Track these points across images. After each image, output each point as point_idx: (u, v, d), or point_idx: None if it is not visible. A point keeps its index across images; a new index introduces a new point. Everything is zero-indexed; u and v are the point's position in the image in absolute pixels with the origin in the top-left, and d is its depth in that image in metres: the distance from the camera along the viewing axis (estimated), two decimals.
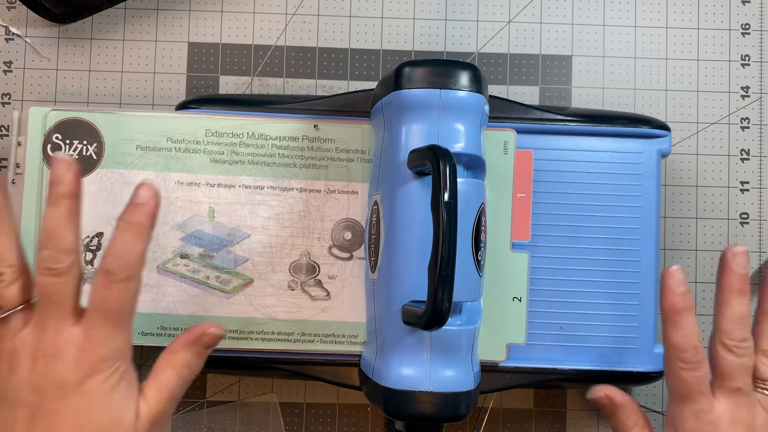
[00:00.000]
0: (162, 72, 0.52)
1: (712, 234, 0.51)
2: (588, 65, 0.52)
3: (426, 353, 0.41)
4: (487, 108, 0.43)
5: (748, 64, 0.52)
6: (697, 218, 0.52)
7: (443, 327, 0.37)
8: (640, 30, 0.53)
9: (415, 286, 0.40)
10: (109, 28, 0.52)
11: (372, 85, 0.48)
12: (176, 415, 0.49)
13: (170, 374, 0.37)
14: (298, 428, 0.50)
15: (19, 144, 0.45)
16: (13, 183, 0.45)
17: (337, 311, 0.45)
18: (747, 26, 0.53)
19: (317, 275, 0.45)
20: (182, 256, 0.45)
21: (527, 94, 0.52)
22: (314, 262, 0.45)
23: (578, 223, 0.46)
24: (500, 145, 0.46)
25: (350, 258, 0.45)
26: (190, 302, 0.45)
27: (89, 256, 0.45)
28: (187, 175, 0.45)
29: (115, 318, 0.34)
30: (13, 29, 0.51)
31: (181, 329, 0.44)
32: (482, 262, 0.42)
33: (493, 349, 0.45)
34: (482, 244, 0.42)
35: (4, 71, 0.51)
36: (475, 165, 0.43)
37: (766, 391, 0.38)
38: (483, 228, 0.42)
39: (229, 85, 0.52)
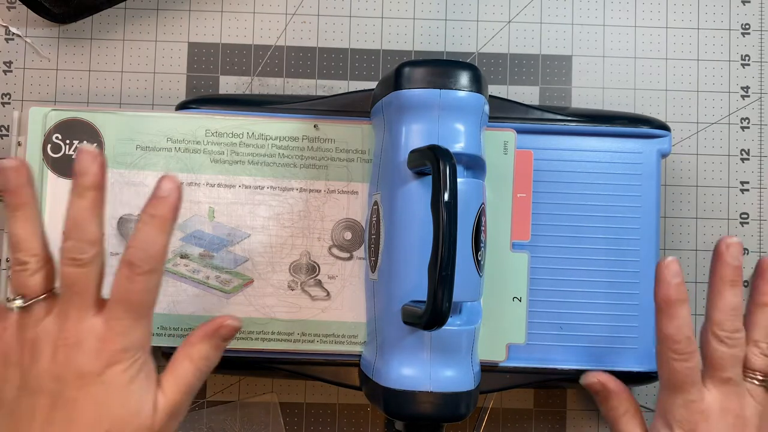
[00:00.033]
0: (162, 72, 0.52)
1: (712, 234, 0.51)
2: (588, 65, 0.52)
3: (426, 353, 0.41)
4: (487, 108, 0.43)
5: (748, 64, 0.52)
6: (697, 218, 0.52)
7: (443, 327, 0.37)
8: (640, 30, 0.53)
9: (415, 286, 0.40)
10: (109, 28, 0.52)
11: (372, 85, 0.48)
12: None
13: (188, 366, 0.37)
14: (298, 428, 0.50)
15: (19, 144, 0.45)
16: None
17: (337, 311, 0.45)
18: (747, 26, 0.53)
19: (317, 275, 0.45)
20: (182, 256, 0.45)
21: (527, 94, 0.52)
22: (314, 262, 0.45)
23: (578, 223, 0.46)
24: (500, 145, 0.46)
25: (350, 258, 0.45)
26: (190, 302, 0.45)
27: None
28: (187, 175, 0.45)
29: (137, 309, 0.35)
30: (13, 29, 0.51)
31: (181, 329, 0.44)
32: (482, 262, 0.42)
33: (493, 349, 0.45)
34: (482, 244, 0.42)
35: (4, 71, 0.51)
36: (475, 165, 0.43)
37: (756, 381, 0.38)
38: (483, 228, 0.42)
39: (229, 85, 0.52)
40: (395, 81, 0.42)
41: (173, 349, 0.39)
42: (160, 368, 0.38)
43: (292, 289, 0.45)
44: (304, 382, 0.50)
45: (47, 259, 0.36)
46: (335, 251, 0.45)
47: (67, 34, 0.52)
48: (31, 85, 0.51)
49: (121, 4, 0.52)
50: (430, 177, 0.38)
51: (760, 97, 0.52)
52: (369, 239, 0.45)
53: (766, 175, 0.52)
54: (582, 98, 0.52)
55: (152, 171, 0.45)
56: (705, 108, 0.52)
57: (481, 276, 0.42)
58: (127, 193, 0.45)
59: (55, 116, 0.45)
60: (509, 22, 0.52)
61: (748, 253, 0.52)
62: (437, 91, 0.41)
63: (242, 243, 0.45)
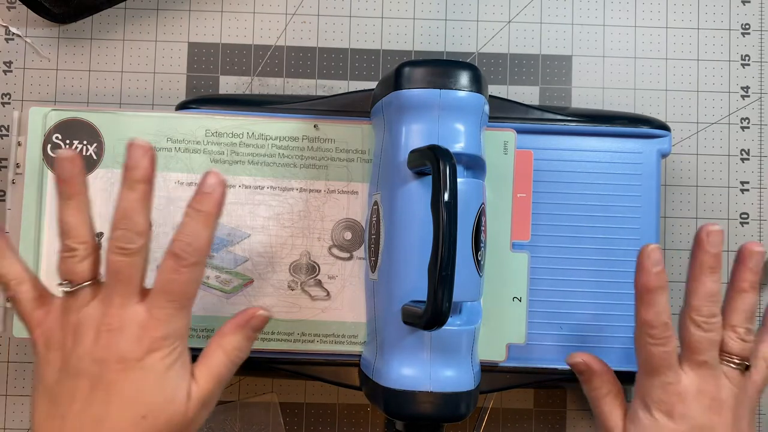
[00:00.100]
0: (162, 72, 0.52)
1: None
2: (588, 65, 0.52)
3: (426, 353, 0.41)
4: (487, 108, 0.43)
5: (748, 64, 0.52)
6: (697, 218, 0.52)
7: (443, 327, 0.37)
8: (640, 30, 0.53)
9: (415, 286, 0.40)
10: (109, 28, 0.52)
11: (372, 85, 0.48)
12: None
13: (221, 357, 0.38)
14: (298, 428, 0.50)
15: (19, 144, 0.45)
16: (13, 183, 0.45)
17: (337, 311, 0.45)
18: (747, 26, 0.53)
19: (317, 275, 0.45)
20: None
21: (527, 94, 0.52)
22: (314, 262, 0.45)
23: (578, 223, 0.46)
24: (500, 145, 0.46)
25: (350, 258, 0.45)
26: None
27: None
28: (187, 175, 0.45)
29: (180, 299, 0.36)
30: (13, 29, 0.51)
31: None
32: (482, 262, 0.42)
33: (493, 349, 0.45)
34: (482, 244, 0.42)
35: (4, 71, 0.51)
36: (475, 165, 0.43)
37: (732, 365, 0.39)
38: (483, 228, 0.42)
39: (229, 85, 0.52)
40: (395, 81, 0.42)
41: None
42: None
43: (292, 289, 0.45)
44: (304, 382, 0.50)
45: (95, 247, 0.37)
46: (335, 251, 0.45)
47: (67, 34, 0.52)
48: (31, 85, 0.51)
49: (121, 4, 0.52)
50: (430, 177, 0.38)
51: (760, 97, 0.52)
52: (369, 239, 0.45)
53: (766, 175, 0.52)
54: (582, 98, 0.52)
55: None
56: (705, 108, 0.52)
57: (481, 276, 0.42)
58: None
59: (55, 116, 0.45)
60: (509, 22, 0.52)
61: None
62: (437, 91, 0.41)
63: (242, 243, 0.45)
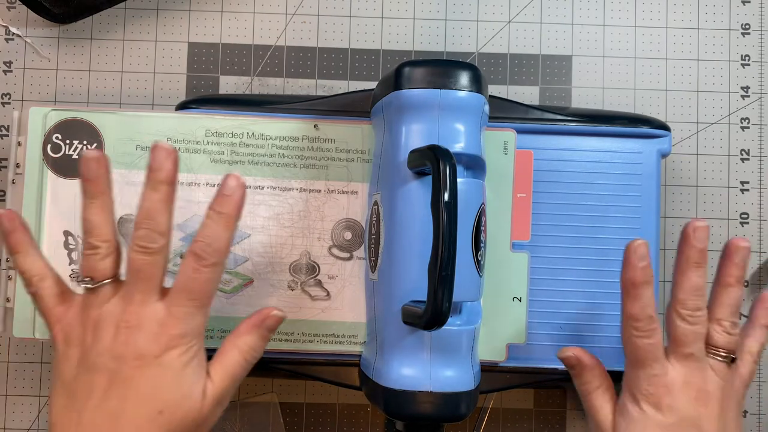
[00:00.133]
0: (162, 72, 0.52)
1: (712, 234, 0.51)
2: (588, 65, 0.52)
3: (426, 353, 0.41)
4: (487, 108, 0.43)
5: (748, 64, 0.52)
6: (697, 218, 0.52)
7: (443, 327, 0.37)
8: (640, 30, 0.53)
9: (415, 286, 0.40)
10: (109, 28, 0.52)
11: (372, 85, 0.48)
12: None
13: (236, 356, 0.38)
14: (298, 428, 0.50)
15: (19, 144, 0.45)
16: (13, 183, 0.45)
17: (337, 311, 0.45)
18: (747, 26, 0.53)
19: (317, 275, 0.45)
20: (182, 256, 0.45)
21: (527, 94, 0.52)
22: (314, 262, 0.45)
23: (578, 223, 0.46)
24: (500, 145, 0.46)
25: (350, 258, 0.45)
26: None
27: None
28: (187, 175, 0.45)
29: (199, 298, 0.37)
30: (13, 29, 0.51)
31: None
32: (482, 262, 0.42)
33: (493, 349, 0.45)
34: (482, 244, 0.42)
35: (4, 71, 0.51)
36: (475, 165, 0.43)
37: (719, 357, 0.39)
38: (483, 228, 0.42)
39: (229, 85, 0.52)
40: (395, 81, 0.42)
41: None
42: None
43: (292, 289, 0.45)
44: (304, 382, 0.50)
45: (116, 246, 0.38)
46: (335, 251, 0.45)
47: (67, 34, 0.52)
48: (31, 85, 0.51)
49: (121, 4, 0.52)
50: (430, 177, 0.38)
51: (760, 97, 0.52)
52: (369, 239, 0.45)
53: (766, 175, 0.52)
54: (582, 98, 0.52)
55: None
56: (705, 108, 0.52)
57: (481, 276, 0.42)
58: (128, 193, 0.45)
59: (55, 116, 0.45)
60: (509, 22, 0.52)
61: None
62: (437, 91, 0.41)
63: (242, 243, 0.45)
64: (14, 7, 0.51)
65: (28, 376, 0.50)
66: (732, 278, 0.40)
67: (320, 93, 0.52)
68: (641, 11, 0.53)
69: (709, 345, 0.39)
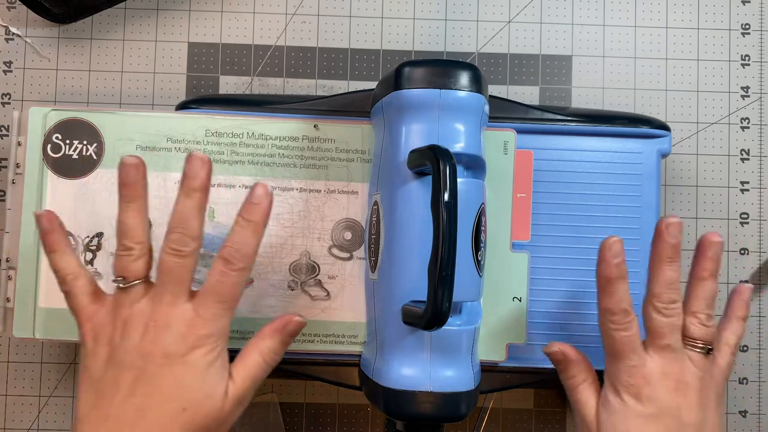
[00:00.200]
0: (162, 72, 0.52)
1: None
2: (588, 65, 0.52)
3: (426, 353, 0.41)
4: (487, 108, 0.43)
5: (748, 64, 0.52)
6: (697, 218, 0.52)
7: (443, 327, 0.37)
8: (640, 30, 0.53)
9: (415, 286, 0.40)
10: (109, 28, 0.52)
11: (372, 85, 0.48)
12: None
13: (257, 359, 0.40)
14: (298, 428, 0.50)
15: (19, 144, 0.45)
16: (13, 183, 0.45)
17: (337, 311, 0.45)
18: (747, 26, 0.53)
19: (317, 275, 0.45)
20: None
21: (527, 94, 0.52)
22: (314, 262, 0.45)
23: (578, 223, 0.46)
24: (500, 145, 0.46)
25: (350, 258, 0.45)
26: None
27: (89, 256, 0.45)
28: None
29: (227, 301, 0.38)
30: (13, 29, 0.51)
31: None
32: (482, 262, 0.42)
33: (493, 349, 0.45)
34: (482, 244, 0.42)
35: (4, 71, 0.51)
36: (475, 165, 0.43)
37: (696, 349, 0.40)
38: (483, 228, 0.42)
39: (229, 85, 0.52)
40: (395, 81, 0.42)
41: None
42: None
43: (292, 289, 0.45)
44: (304, 382, 0.50)
45: (149, 249, 0.39)
46: (335, 251, 0.45)
47: (67, 34, 0.52)
48: (31, 85, 0.51)
49: (121, 4, 0.52)
50: (430, 177, 0.38)
51: (760, 97, 0.52)
52: (369, 239, 0.45)
53: (766, 175, 0.52)
54: (582, 98, 0.52)
55: (152, 171, 0.45)
56: (705, 108, 0.52)
57: (481, 276, 0.42)
58: None
59: (55, 116, 0.45)
60: (509, 22, 0.52)
61: (748, 254, 0.52)
62: (437, 91, 0.41)
63: None
64: (14, 7, 0.51)
65: (28, 376, 0.50)
66: (706, 272, 0.41)
67: (320, 93, 0.52)
68: (641, 11, 0.53)
69: (686, 337, 0.40)
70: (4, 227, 0.46)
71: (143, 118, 0.45)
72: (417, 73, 0.41)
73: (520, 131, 0.46)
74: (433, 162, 0.37)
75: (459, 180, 0.37)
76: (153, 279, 0.39)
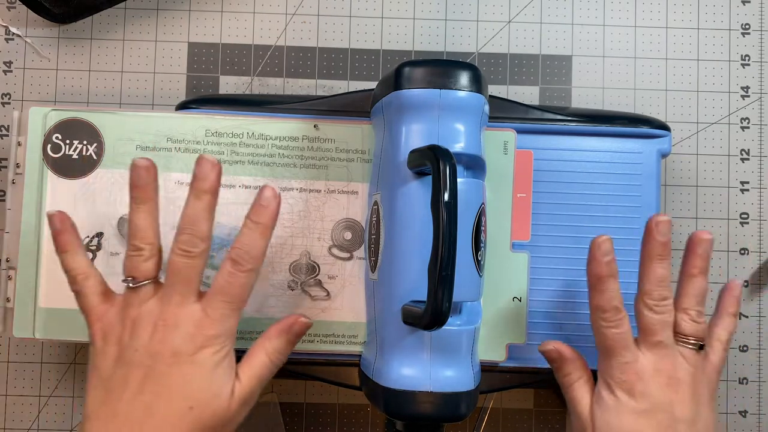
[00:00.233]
0: (162, 72, 0.52)
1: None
2: (588, 65, 0.52)
3: (426, 353, 0.41)
4: (487, 108, 0.43)
5: (748, 64, 0.52)
6: (697, 218, 0.52)
7: (443, 327, 0.37)
8: (640, 30, 0.53)
9: (415, 286, 0.40)
10: (109, 28, 0.52)
11: (372, 85, 0.48)
12: None
13: (263, 359, 0.40)
14: (298, 428, 0.50)
15: (19, 144, 0.45)
16: (13, 183, 0.45)
17: (337, 311, 0.45)
18: (747, 26, 0.53)
19: (317, 275, 0.45)
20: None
21: (527, 94, 0.52)
22: (314, 262, 0.45)
23: (578, 223, 0.46)
24: (500, 145, 0.46)
25: (350, 258, 0.45)
26: None
27: (89, 256, 0.45)
28: (187, 175, 0.45)
29: (235, 301, 0.39)
30: (13, 29, 0.51)
31: None
32: (482, 262, 0.42)
33: (493, 349, 0.45)
34: (482, 244, 0.42)
35: (4, 71, 0.51)
36: (475, 165, 0.43)
37: (688, 345, 0.40)
38: (483, 228, 0.42)
39: (229, 85, 0.52)
40: (395, 81, 0.42)
41: None
42: None
43: (292, 289, 0.45)
44: (304, 382, 0.50)
45: (159, 249, 0.40)
46: (335, 251, 0.45)
47: (67, 34, 0.52)
48: (31, 85, 0.51)
49: (121, 4, 0.52)
50: (430, 177, 0.38)
51: (760, 97, 0.52)
52: (369, 239, 0.45)
53: (766, 175, 0.52)
54: (582, 98, 0.52)
55: None
56: (705, 108, 0.52)
57: (481, 276, 0.42)
58: (127, 193, 0.44)
59: (55, 116, 0.45)
60: (509, 22, 0.52)
61: (748, 254, 0.52)
62: (437, 91, 0.41)
63: None
64: (14, 7, 0.51)
65: (28, 376, 0.50)
66: (696, 269, 0.41)
67: (320, 93, 0.52)
68: (641, 11, 0.53)
69: (678, 333, 0.41)
70: (4, 227, 0.46)
71: (143, 118, 0.45)
72: (417, 73, 0.41)
73: (520, 131, 0.46)
74: (433, 162, 0.37)
75: (459, 180, 0.37)
76: (162, 279, 0.39)
